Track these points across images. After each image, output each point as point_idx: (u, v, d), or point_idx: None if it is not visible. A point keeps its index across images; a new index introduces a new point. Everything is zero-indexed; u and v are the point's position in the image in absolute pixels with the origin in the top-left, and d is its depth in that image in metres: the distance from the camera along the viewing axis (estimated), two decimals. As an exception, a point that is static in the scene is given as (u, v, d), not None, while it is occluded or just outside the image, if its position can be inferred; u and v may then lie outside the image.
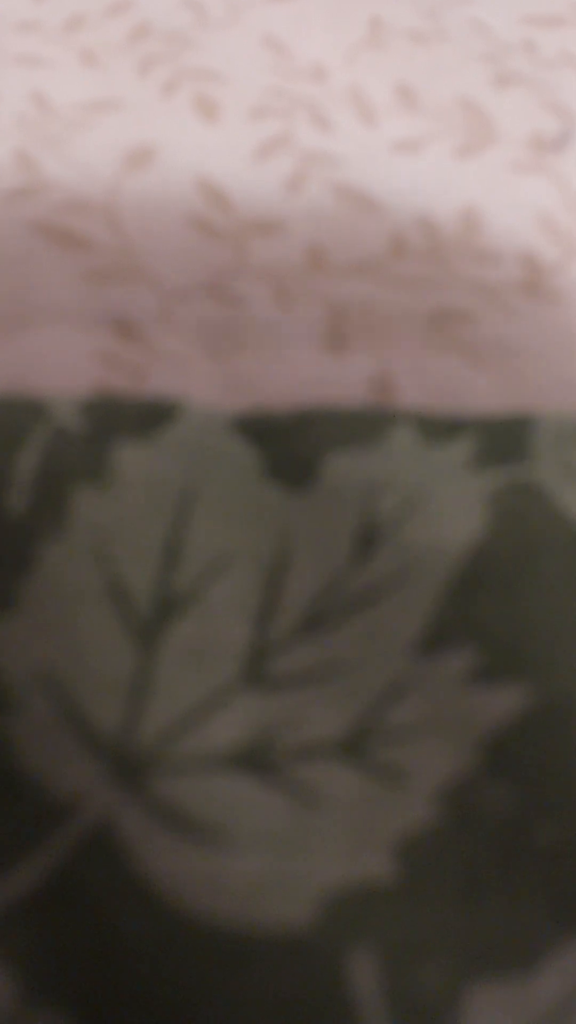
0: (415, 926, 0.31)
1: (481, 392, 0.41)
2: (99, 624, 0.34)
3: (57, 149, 0.47)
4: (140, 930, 0.29)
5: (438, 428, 0.39)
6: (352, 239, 0.45)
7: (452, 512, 0.37)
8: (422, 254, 0.45)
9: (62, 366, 0.40)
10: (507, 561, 0.36)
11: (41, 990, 0.29)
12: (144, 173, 0.47)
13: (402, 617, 0.35)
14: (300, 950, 0.30)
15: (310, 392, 0.40)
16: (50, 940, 0.29)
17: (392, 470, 0.38)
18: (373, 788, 0.32)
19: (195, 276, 0.43)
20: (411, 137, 0.49)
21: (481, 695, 0.34)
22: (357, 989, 0.30)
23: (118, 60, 0.52)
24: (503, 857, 0.32)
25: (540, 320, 0.43)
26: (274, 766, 0.32)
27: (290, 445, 0.38)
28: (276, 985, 0.29)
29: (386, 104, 0.51)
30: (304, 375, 0.41)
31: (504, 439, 0.39)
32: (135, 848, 0.30)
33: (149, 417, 0.38)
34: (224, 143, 0.48)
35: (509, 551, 0.36)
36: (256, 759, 0.32)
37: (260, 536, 0.36)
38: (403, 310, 0.43)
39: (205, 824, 0.31)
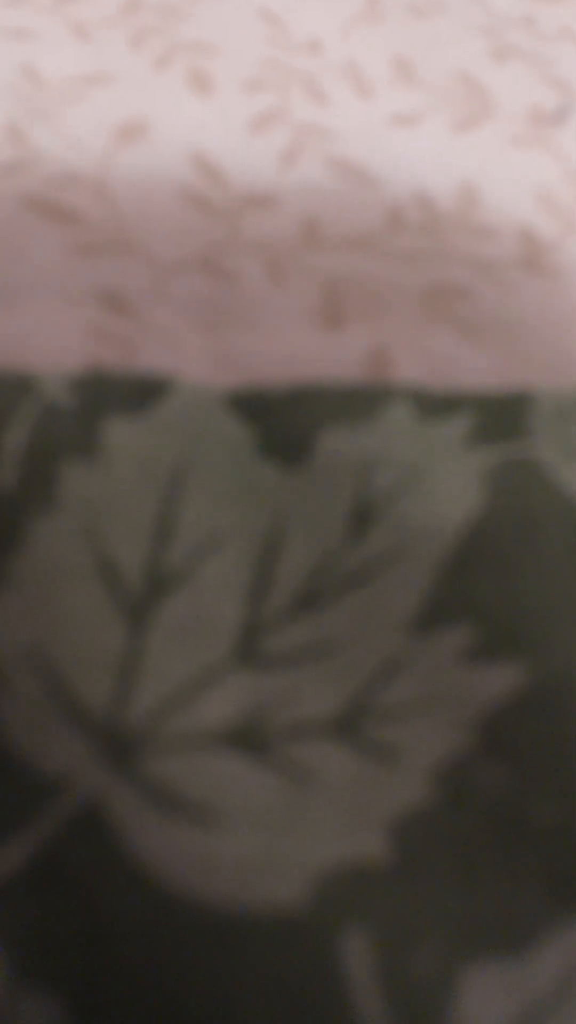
0: (409, 907, 0.30)
1: (478, 368, 0.41)
2: (89, 601, 0.33)
3: (47, 122, 0.47)
4: (130, 911, 0.29)
5: (435, 404, 0.39)
6: (347, 213, 0.45)
7: (448, 489, 0.37)
8: (419, 229, 0.45)
9: (52, 341, 0.40)
10: (504, 538, 0.36)
11: (29, 972, 0.29)
12: (136, 147, 0.46)
13: (397, 595, 0.35)
14: (292, 931, 0.30)
15: (304, 368, 0.40)
16: (38, 921, 0.29)
17: (387, 447, 0.37)
18: (367, 767, 0.32)
19: (187, 251, 0.43)
20: (408, 111, 0.49)
21: (477, 673, 0.34)
22: (350, 971, 0.30)
23: (110, 33, 0.51)
24: (499, 837, 0.32)
25: (538, 296, 0.43)
26: (266, 745, 0.32)
27: (284, 422, 0.38)
28: (268, 967, 0.29)
29: (383, 77, 0.50)
30: (298, 351, 0.41)
31: (502, 415, 0.39)
32: (125, 828, 0.30)
33: (140, 393, 0.38)
34: (218, 116, 0.48)
35: (506, 528, 0.36)
36: (248, 738, 0.32)
37: (253, 513, 0.36)
38: (399, 285, 0.43)
39: (196, 803, 0.31)
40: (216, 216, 0.44)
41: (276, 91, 0.49)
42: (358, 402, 0.38)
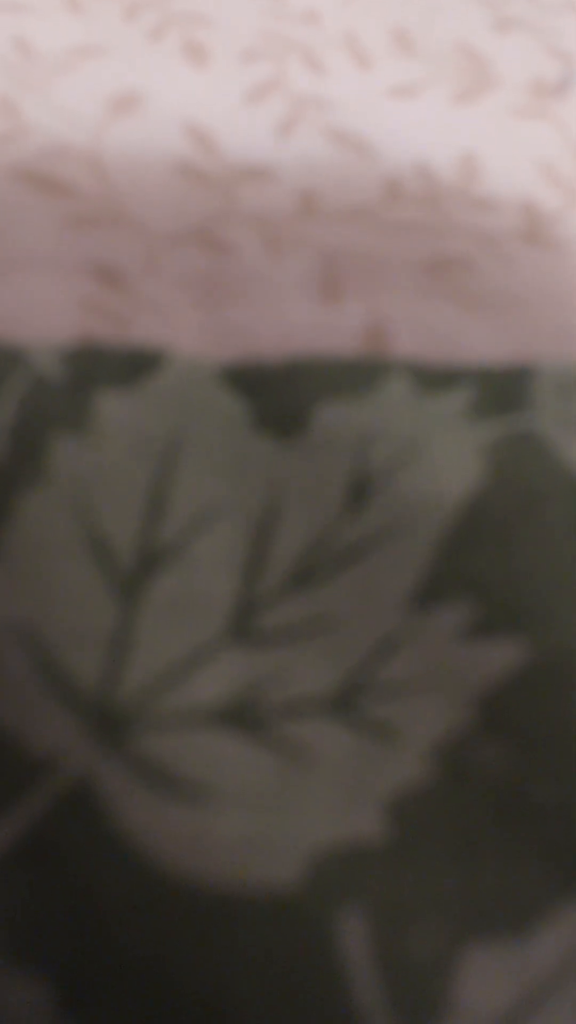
0: (407, 887, 0.30)
1: (479, 342, 0.40)
2: (79, 576, 0.33)
3: (39, 95, 0.47)
4: (120, 891, 0.29)
5: (434, 378, 0.38)
6: (345, 185, 0.44)
7: (448, 463, 0.36)
8: (418, 200, 0.44)
9: (43, 314, 0.39)
10: (505, 513, 0.35)
11: (16, 954, 0.28)
12: (130, 119, 0.46)
13: (395, 570, 0.34)
14: (287, 912, 0.29)
15: (301, 342, 0.40)
16: (26, 902, 0.29)
17: (386, 420, 0.37)
18: (364, 745, 0.32)
19: (182, 223, 0.43)
20: (407, 82, 0.49)
21: (477, 650, 0.33)
22: (347, 952, 0.29)
23: (103, 6, 0.51)
24: (499, 816, 0.31)
25: (540, 268, 0.43)
26: (261, 723, 0.32)
27: (280, 395, 0.38)
28: (262, 948, 0.29)
29: (382, 48, 0.50)
30: (295, 324, 0.40)
31: (503, 389, 0.38)
32: (115, 806, 0.30)
33: (133, 366, 0.37)
34: (213, 88, 0.47)
35: (507, 502, 0.36)
36: (242, 716, 0.32)
37: (248, 488, 0.36)
38: (398, 257, 0.43)
39: (188, 782, 0.31)
40: (211, 188, 0.44)
41: (272, 62, 0.49)
42: (355, 376, 0.38)
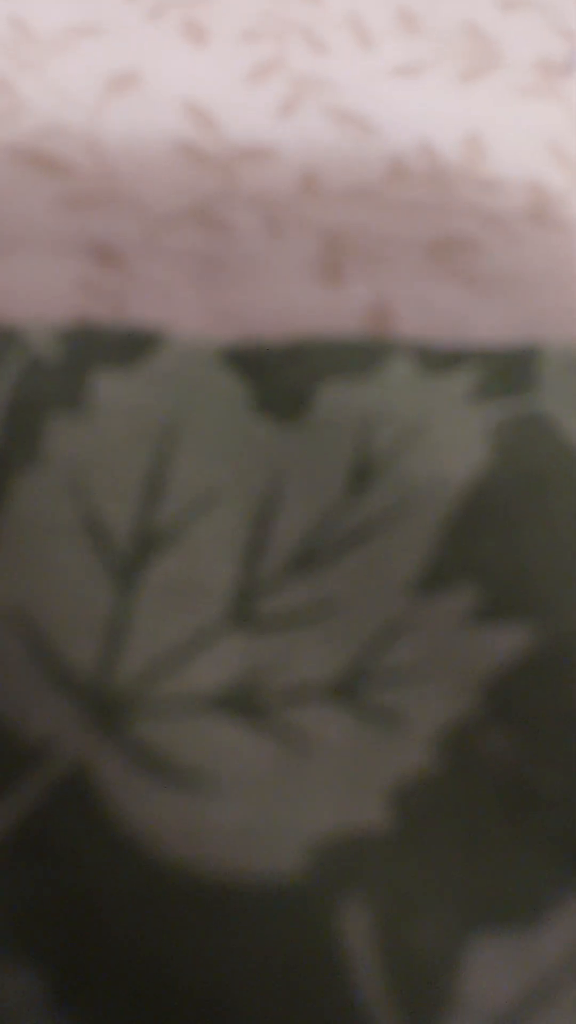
0: (411, 877, 0.29)
1: (484, 322, 0.40)
2: (74, 560, 0.33)
3: (35, 73, 0.46)
4: (116, 880, 0.28)
5: (439, 359, 0.38)
6: (348, 164, 0.44)
7: (453, 445, 0.36)
8: (423, 180, 0.44)
9: (39, 294, 0.39)
10: (511, 496, 0.35)
11: (10, 942, 0.28)
12: (128, 98, 0.45)
13: (399, 555, 0.34)
14: (288, 901, 0.29)
15: (303, 322, 0.39)
16: (20, 892, 0.28)
17: (389, 402, 0.36)
18: (367, 732, 0.31)
19: (181, 203, 0.42)
20: (412, 62, 0.48)
21: (483, 636, 0.33)
22: (349, 943, 0.29)
23: (102, -15, 0.50)
24: (505, 805, 0.31)
25: (547, 249, 0.42)
26: (261, 709, 0.31)
27: (281, 377, 0.37)
28: (262, 939, 0.28)
29: (385, 28, 0.49)
30: (296, 305, 0.40)
31: (509, 370, 0.38)
32: (111, 793, 0.29)
33: (130, 347, 0.37)
34: (213, 68, 0.47)
35: (514, 485, 0.35)
36: (242, 702, 0.31)
37: (248, 471, 0.35)
38: (402, 238, 0.42)
39: (186, 769, 0.30)
40: (211, 168, 0.43)
41: (274, 41, 0.48)
42: (358, 356, 0.37)
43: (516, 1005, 0.29)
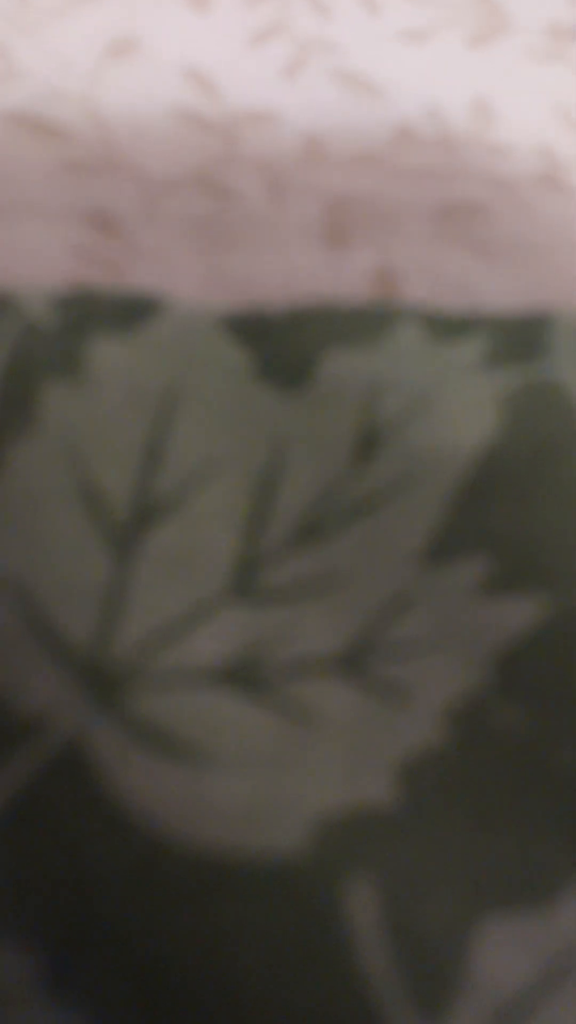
0: (419, 855, 0.29)
1: (494, 289, 0.39)
2: (70, 529, 0.32)
3: (33, 39, 0.45)
4: (113, 858, 0.28)
5: (447, 326, 0.37)
6: (353, 129, 0.43)
7: (462, 413, 0.35)
8: (430, 145, 0.43)
9: (36, 261, 0.38)
10: (522, 464, 0.34)
11: (3, 922, 0.27)
12: (127, 63, 0.45)
13: (407, 525, 0.33)
14: (291, 880, 0.28)
15: (306, 289, 0.38)
16: (14, 869, 0.28)
17: (396, 370, 0.36)
18: (373, 707, 0.31)
19: (181, 168, 0.41)
20: (419, 27, 0.47)
21: (493, 607, 0.32)
22: (355, 924, 0.28)
23: (101, -50, 0.50)
24: (516, 781, 0.30)
25: (557, 215, 0.41)
26: (264, 683, 0.31)
27: (284, 344, 0.36)
28: (264, 918, 0.28)
29: (391, -8, 0.49)
30: (300, 271, 0.39)
31: (519, 337, 0.37)
32: (109, 768, 0.29)
33: (129, 312, 0.36)
34: (213, 32, 0.46)
35: (525, 454, 0.34)
36: (244, 675, 0.31)
37: (250, 440, 0.34)
38: (409, 204, 0.41)
39: (186, 743, 0.29)
40: (212, 133, 0.42)
41: (276, 5, 0.47)
42: (364, 323, 0.37)
43: (528, 988, 0.28)
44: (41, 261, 0.38)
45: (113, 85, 0.44)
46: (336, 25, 0.47)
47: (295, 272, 0.39)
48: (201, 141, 0.42)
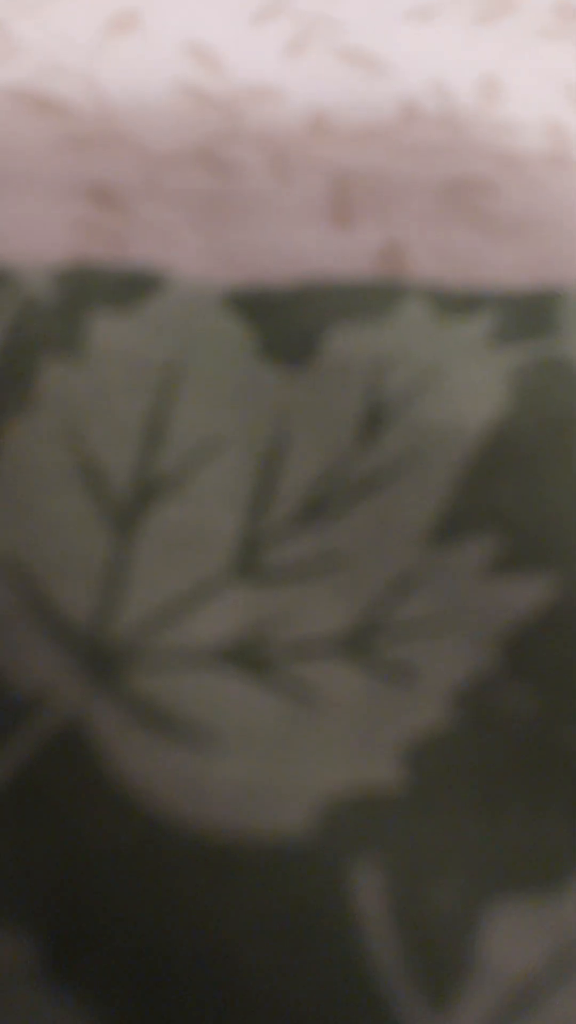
0: (427, 838, 0.28)
1: (501, 266, 0.38)
2: (70, 506, 0.31)
3: (33, 16, 0.45)
4: (113, 839, 0.27)
5: (455, 302, 0.36)
6: (358, 105, 0.43)
7: (470, 390, 0.34)
8: (436, 122, 0.42)
9: (36, 236, 0.38)
10: (532, 442, 0.34)
11: (2, 904, 0.27)
12: (128, 39, 0.44)
13: (414, 503, 0.33)
14: (295, 862, 0.27)
15: (310, 265, 0.38)
16: (12, 851, 0.27)
17: (402, 346, 0.35)
18: (379, 688, 0.30)
19: (183, 143, 0.41)
20: (423, 5, 0.47)
21: (502, 587, 0.32)
22: (361, 906, 0.27)
23: None
24: (525, 763, 0.29)
25: (565, 191, 0.41)
26: (267, 663, 0.30)
27: (288, 320, 0.36)
28: (267, 901, 0.27)
29: (397, -32, 0.48)
30: (304, 247, 0.38)
31: (528, 314, 0.36)
32: (108, 748, 0.28)
33: (130, 288, 0.36)
34: (217, 7, 0.46)
35: (533, 431, 0.34)
36: (247, 655, 0.30)
37: (254, 418, 0.34)
38: (415, 180, 0.41)
39: (188, 723, 0.29)
40: (215, 108, 0.42)
41: (281, -19, 0.47)
42: (370, 299, 0.36)
43: (539, 972, 0.27)
44: (42, 236, 0.38)
45: (115, 61, 0.44)
46: (341, 2, 0.46)
47: (299, 248, 0.38)
48: (203, 116, 0.42)
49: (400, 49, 0.45)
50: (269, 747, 0.29)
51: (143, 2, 0.46)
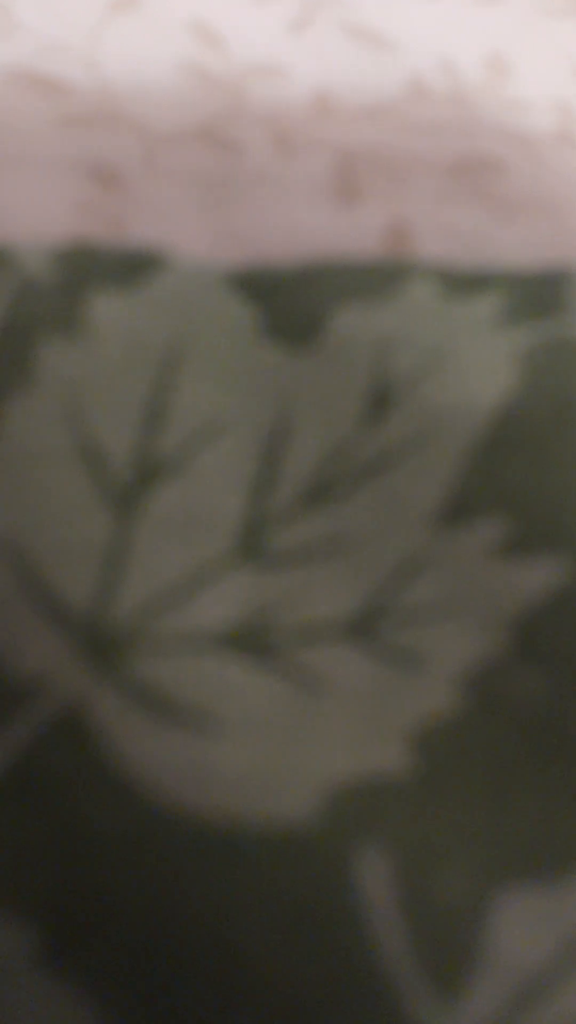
0: (434, 825, 0.28)
1: (509, 245, 0.38)
2: (69, 488, 0.31)
3: (32, -7, 0.44)
4: (113, 826, 0.27)
5: (462, 281, 0.36)
6: (364, 84, 0.42)
7: (478, 371, 0.34)
8: (443, 100, 0.42)
9: (35, 215, 0.37)
10: (541, 422, 0.33)
11: (1, 893, 0.26)
12: (129, 16, 0.44)
13: (421, 485, 0.32)
14: (300, 850, 0.27)
15: (315, 244, 0.37)
16: (10, 838, 0.27)
17: (409, 326, 0.35)
18: (386, 673, 0.30)
19: (185, 122, 0.40)
20: (431, -18, 0.46)
21: (511, 570, 0.31)
22: (367, 895, 0.27)
23: None
24: (534, 749, 0.29)
25: (574, 170, 0.40)
26: (271, 648, 0.30)
27: (292, 300, 0.35)
28: (272, 889, 0.27)
29: (403, -55, 0.47)
30: (308, 226, 0.38)
31: (536, 294, 0.36)
32: (109, 734, 0.28)
33: (130, 268, 0.35)
34: (220, -15, 0.45)
35: (543, 412, 0.33)
36: (251, 640, 0.30)
37: (257, 399, 0.33)
38: (422, 158, 0.40)
39: (190, 709, 0.28)
40: (217, 86, 0.41)
41: (285, -41, 0.46)
42: (375, 279, 0.36)
43: (548, 962, 0.27)
44: (42, 216, 0.37)
45: (115, 39, 0.43)
46: (346, -21, 0.46)
47: (303, 227, 0.38)
48: (205, 95, 0.41)
49: (407, 26, 0.44)
50: (273, 733, 0.28)
51: (145, -19, 0.45)
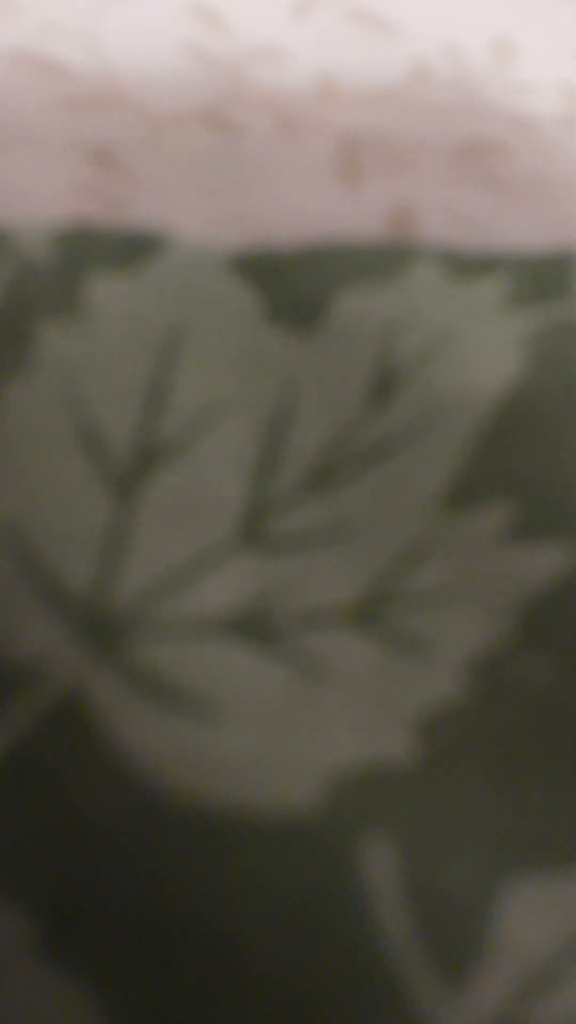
0: (440, 813, 0.27)
1: (515, 229, 0.38)
2: (69, 471, 0.31)
3: (32, -24, 0.44)
4: (113, 813, 0.26)
5: (467, 265, 0.35)
6: (367, 66, 0.42)
7: (484, 354, 0.34)
8: (448, 83, 0.42)
9: (33, 197, 0.37)
10: (547, 406, 0.33)
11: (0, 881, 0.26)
12: (129, 1, 0.44)
13: (426, 469, 0.32)
14: (303, 838, 0.27)
15: (318, 227, 0.37)
16: (9, 825, 0.26)
17: (413, 309, 0.34)
18: (391, 659, 0.29)
19: (187, 104, 0.40)
20: (435, -35, 0.46)
21: (518, 555, 0.31)
22: (372, 884, 0.26)
23: None
24: (542, 736, 0.29)
25: (583, 154, 0.40)
26: (274, 634, 0.29)
27: (295, 283, 0.35)
28: (274, 878, 0.26)
29: None
30: (311, 209, 0.37)
31: (542, 277, 0.36)
32: (108, 719, 0.27)
33: (130, 250, 0.35)
34: (222, -32, 0.45)
35: (550, 396, 0.33)
36: (253, 626, 0.29)
37: (259, 383, 0.33)
38: (426, 141, 0.40)
39: (192, 695, 0.28)
40: (219, 69, 0.41)
41: None
42: (379, 262, 0.35)
43: (555, 952, 0.27)
44: (42, 197, 0.37)
45: (116, 21, 0.43)
46: (349, -39, 0.46)
47: (306, 210, 0.37)
48: (207, 77, 0.41)
49: (410, 9, 0.44)
50: (276, 719, 0.28)
51: (145, -37, 0.45)
